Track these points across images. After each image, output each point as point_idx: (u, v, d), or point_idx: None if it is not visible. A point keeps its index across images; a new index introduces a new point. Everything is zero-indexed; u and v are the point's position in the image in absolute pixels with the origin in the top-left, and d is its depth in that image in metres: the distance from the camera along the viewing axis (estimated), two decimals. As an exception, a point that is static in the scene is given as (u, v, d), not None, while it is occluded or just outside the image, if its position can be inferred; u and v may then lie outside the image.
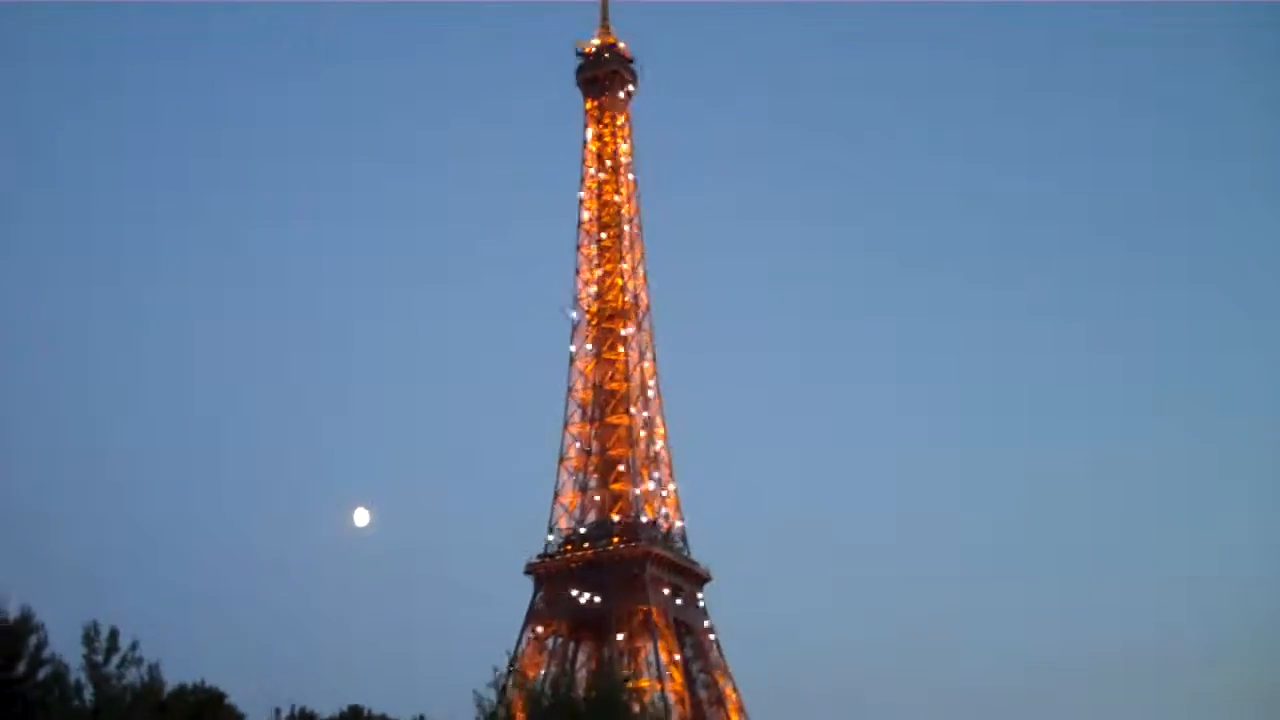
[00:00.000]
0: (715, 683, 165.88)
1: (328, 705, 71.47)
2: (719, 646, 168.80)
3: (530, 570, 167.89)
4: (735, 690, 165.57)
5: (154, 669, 36.91)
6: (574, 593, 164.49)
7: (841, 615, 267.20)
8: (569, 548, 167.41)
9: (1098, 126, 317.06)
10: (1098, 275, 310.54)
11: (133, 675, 35.91)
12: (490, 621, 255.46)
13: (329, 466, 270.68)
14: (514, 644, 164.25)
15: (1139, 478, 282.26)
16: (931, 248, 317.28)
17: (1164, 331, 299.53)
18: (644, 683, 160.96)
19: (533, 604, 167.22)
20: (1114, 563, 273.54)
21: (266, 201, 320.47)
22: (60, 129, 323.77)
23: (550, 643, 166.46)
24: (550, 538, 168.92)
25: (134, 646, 36.05)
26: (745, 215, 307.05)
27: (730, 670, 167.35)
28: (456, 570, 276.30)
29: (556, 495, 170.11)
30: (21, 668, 31.44)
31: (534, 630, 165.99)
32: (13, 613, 32.59)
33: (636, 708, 63.90)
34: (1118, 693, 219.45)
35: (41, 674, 32.09)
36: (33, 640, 32.19)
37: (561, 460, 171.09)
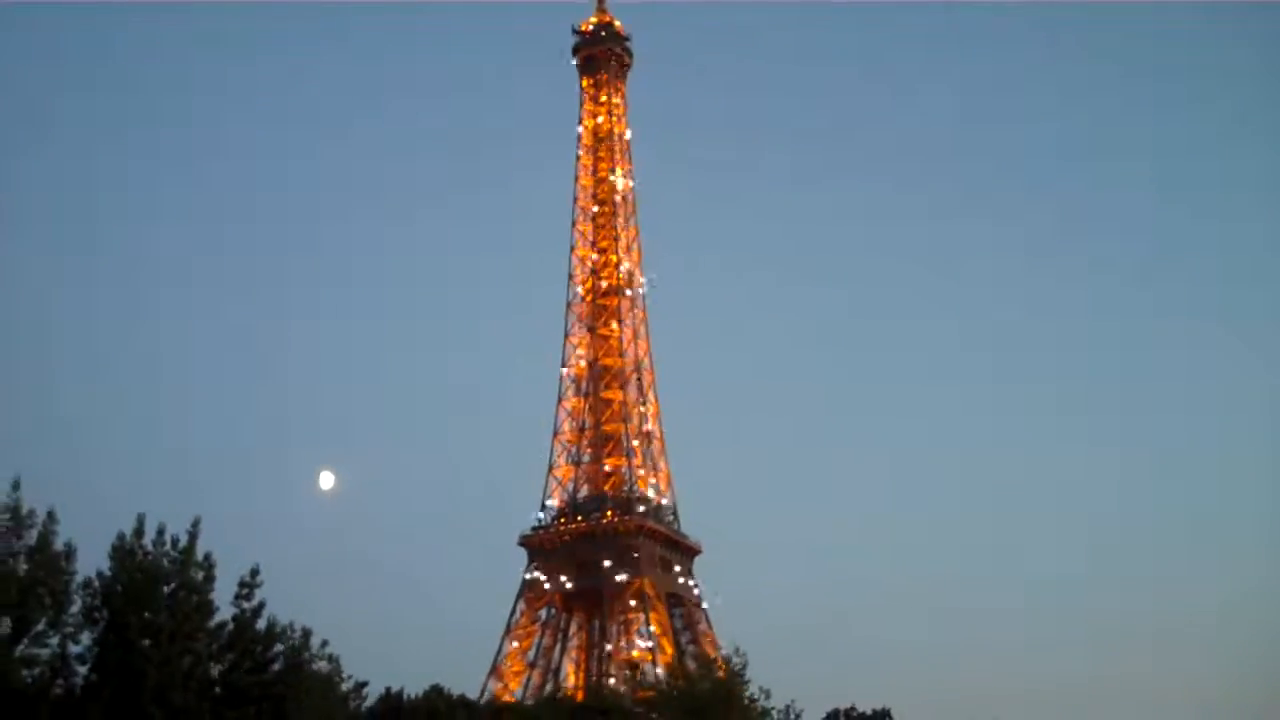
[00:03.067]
0: (704, 653, 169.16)
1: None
2: (708, 618, 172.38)
3: (524, 543, 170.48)
4: (724, 661, 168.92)
5: (336, 660, 39.18)
6: (567, 565, 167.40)
7: (824, 588, 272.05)
8: (562, 521, 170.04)
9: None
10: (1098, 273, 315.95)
11: (321, 668, 38.20)
12: (483, 594, 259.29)
13: (327, 437, 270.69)
14: (506, 615, 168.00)
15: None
16: (926, 232, 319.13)
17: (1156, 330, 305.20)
18: (637, 654, 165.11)
19: (526, 576, 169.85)
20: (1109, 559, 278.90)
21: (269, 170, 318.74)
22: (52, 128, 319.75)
23: (543, 614, 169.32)
24: (543, 511, 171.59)
25: (324, 644, 38.38)
26: (739, 196, 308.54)
27: (718, 641, 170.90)
28: (448, 542, 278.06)
29: (550, 469, 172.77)
30: (276, 668, 33.73)
31: (527, 601, 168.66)
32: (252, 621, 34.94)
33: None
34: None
35: (293, 678, 34.36)
36: (283, 646, 34.48)
37: (555, 434, 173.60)
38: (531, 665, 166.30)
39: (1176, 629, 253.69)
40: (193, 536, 33.72)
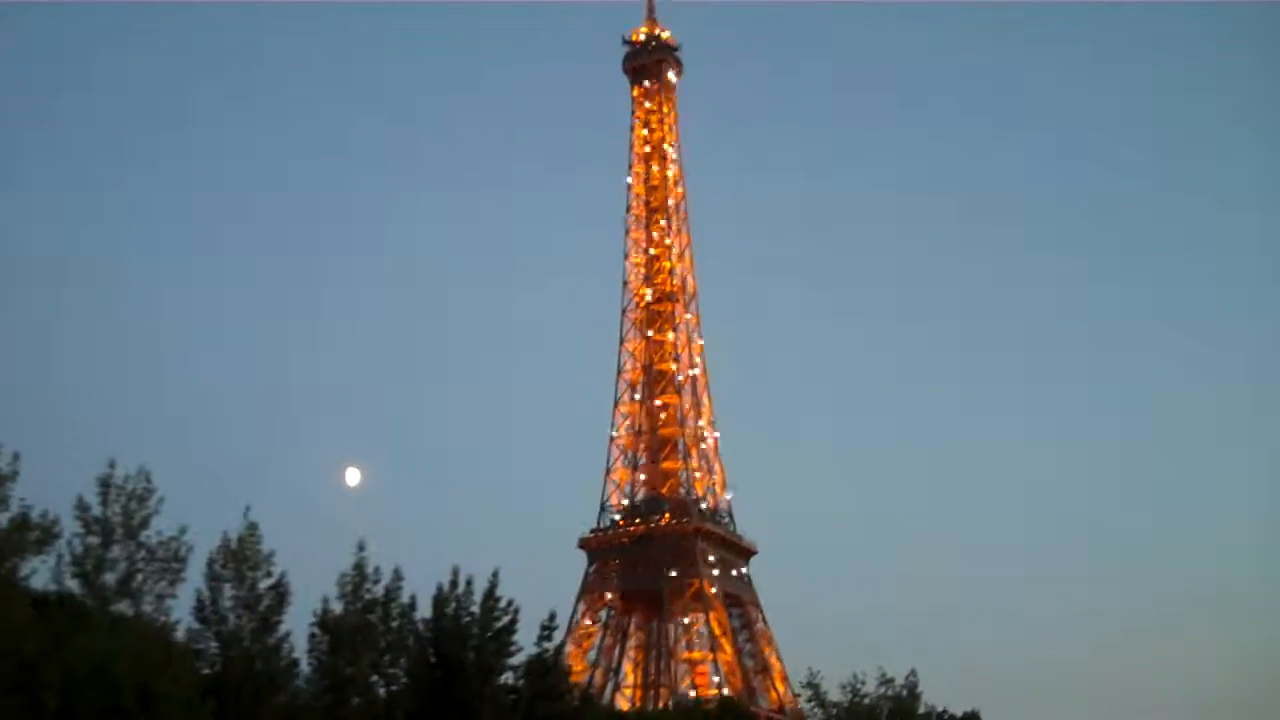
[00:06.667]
0: (761, 652, 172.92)
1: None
2: (764, 617, 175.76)
3: (584, 545, 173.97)
4: (779, 659, 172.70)
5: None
6: (626, 567, 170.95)
7: (875, 585, 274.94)
8: (621, 523, 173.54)
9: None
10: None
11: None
12: (542, 596, 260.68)
13: (378, 440, 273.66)
14: (567, 617, 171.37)
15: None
16: (966, 236, 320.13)
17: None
18: (697, 654, 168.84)
19: (586, 577, 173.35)
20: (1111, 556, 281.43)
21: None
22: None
23: (603, 615, 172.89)
24: (602, 513, 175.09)
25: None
26: (790, 203, 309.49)
27: (775, 640, 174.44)
28: (509, 545, 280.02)
29: (608, 472, 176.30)
30: (572, 702, 37.34)
31: (587, 603, 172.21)
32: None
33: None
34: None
35: (590, 710, 37.96)
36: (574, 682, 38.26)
37: (612, 439, 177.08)
38: (593, 666, 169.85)
39: (1175, 627, 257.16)
40: (493, 585, 37.31)
